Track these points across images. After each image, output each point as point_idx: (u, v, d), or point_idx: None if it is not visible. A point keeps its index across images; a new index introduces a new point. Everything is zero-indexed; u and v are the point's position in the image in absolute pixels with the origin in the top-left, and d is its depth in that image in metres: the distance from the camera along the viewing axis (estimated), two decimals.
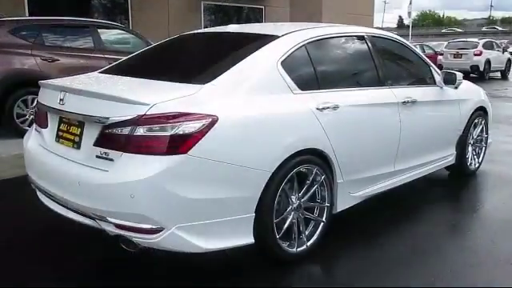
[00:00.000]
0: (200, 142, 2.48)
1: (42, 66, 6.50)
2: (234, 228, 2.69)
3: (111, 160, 2.51)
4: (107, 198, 2.49)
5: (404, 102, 3.78)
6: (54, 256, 3.14)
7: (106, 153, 2.54)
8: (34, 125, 3.27)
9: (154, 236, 2.47)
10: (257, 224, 2.76)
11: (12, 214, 3.85)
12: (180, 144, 2.45)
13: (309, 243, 3.09)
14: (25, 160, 3.20)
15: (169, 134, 2.43)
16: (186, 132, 2.45)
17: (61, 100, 2.83)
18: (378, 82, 3.71)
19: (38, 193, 3.09)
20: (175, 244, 2.52)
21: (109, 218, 2.50)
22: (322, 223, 3.19)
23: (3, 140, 6.07)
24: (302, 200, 3.05)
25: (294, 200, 3.00)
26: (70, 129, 2.83)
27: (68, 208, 2.75)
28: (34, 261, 3.06)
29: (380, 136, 3.62)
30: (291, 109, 2.97)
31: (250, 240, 2.76)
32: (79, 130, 2.76)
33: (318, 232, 3.17)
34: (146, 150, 2.45)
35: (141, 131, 2.45)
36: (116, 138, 2.51)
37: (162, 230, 2.46)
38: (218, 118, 2.54)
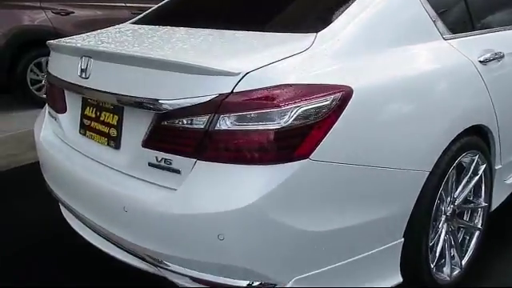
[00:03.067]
0: (329, 134, 1.42)
1: (55, 21, 5.45)
2: (374, 266, 1.67)
3: (177, 172, 1.48)
4: (176, 237, 1.48)
5: None
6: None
7: (166, 160, 1.50)
8: (47, 107, 2.24)
9: None
10: (405, 253, 1.74)
11: (23, 220, 2.84)
12: (297, 142, 1.39)
13: (463, 263, 2.07)
14: (39, 158, 2.21)
15: (277, 125, 1.38)
16: (307, 120, 1.39)
17: (83, 71, 1.77)
18: None
19: (62, 208, 2.12)
20: None
21: (178, 268, 1.51)
22: (477, 231, 2.15)
23: (18, 112, 5.08)
24: (456, 203, 2.00)
25: (447, 206, 1.95)
26: (101, 116, 1.79)
27: (108, 240, 1.77)
28: None
29: None
30: (446, 65, 1.86)
31: (397, 279, 1.74)
32: (116, 118, 1.72)
33: (472, 244, 2.14)
34: (238, 156, 1.40)
35: (227, 123, 1.40)
36: (183, 136, 1.47)
37: None
38: (352, 91, 1.47)
